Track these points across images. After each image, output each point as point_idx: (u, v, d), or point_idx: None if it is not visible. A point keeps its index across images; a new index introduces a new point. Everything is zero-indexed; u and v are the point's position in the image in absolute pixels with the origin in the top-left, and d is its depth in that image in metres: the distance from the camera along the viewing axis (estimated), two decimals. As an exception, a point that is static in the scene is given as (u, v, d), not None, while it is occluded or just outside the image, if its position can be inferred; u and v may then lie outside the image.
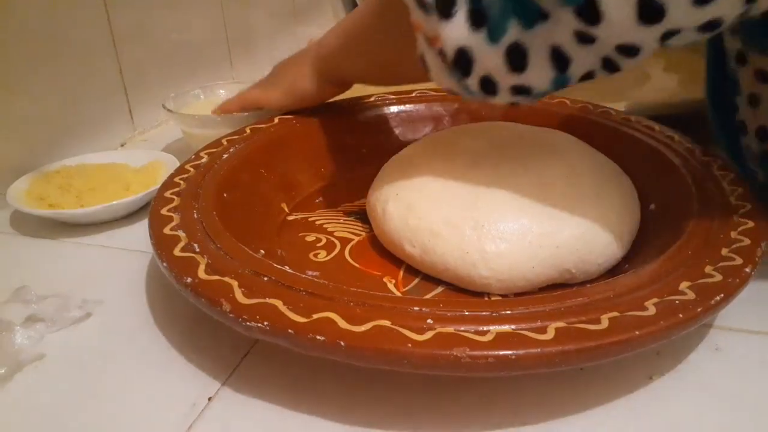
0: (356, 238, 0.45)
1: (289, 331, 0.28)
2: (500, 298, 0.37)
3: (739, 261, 0.32)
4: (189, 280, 0.32)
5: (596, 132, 0.49)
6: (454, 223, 0.38)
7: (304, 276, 0.33)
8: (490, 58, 0.31)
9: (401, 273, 0.40)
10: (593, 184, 0.40)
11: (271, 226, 0.46)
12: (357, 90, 0.64)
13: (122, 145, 0.66)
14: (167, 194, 0.41)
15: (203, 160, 0.46)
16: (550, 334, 0.27)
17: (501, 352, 0.27)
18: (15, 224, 0.51)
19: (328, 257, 0.43)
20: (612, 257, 0.38)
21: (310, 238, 0.45)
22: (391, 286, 0.39)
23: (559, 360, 0.27)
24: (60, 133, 0.59)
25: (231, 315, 0.30)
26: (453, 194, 0.39)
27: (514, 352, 0.27)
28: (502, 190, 0.39)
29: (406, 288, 0.39)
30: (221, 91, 0.67)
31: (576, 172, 0.40)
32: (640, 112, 0.53)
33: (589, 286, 0.32)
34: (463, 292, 0.38)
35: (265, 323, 0.29)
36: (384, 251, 0.42)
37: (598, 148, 0.45)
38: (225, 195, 0.43)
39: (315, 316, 0.29)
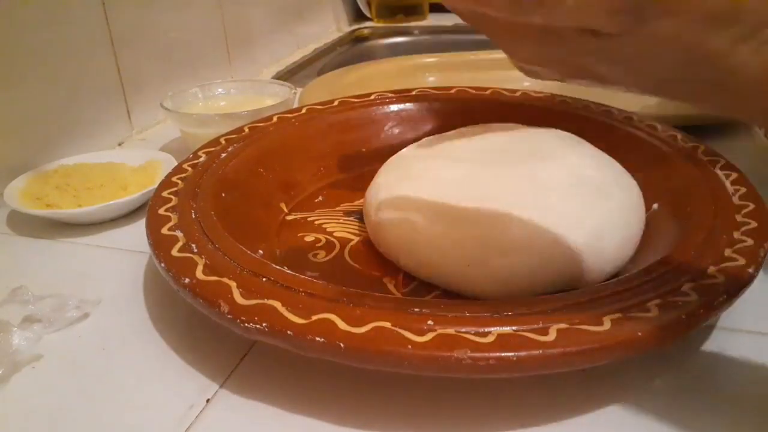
0: (356, 239, 0.44)
1: (288, 332, 0.28)
2: (501, 298, 0.37)
3: (742, 261, 0.32)
4: (187, 280, 0.32)
5: (598, 131, 0.49)
6: (454, 235, 0.36)
7: (303, 277, 0.33)
8: None
9: (401, 274, 0.40)
10: (598, 186, 0.39)
11: (269, 226, 0.45)
12: (356, 88, 0.64)
13: (120, 145, 0.66)
14: (165, 194, 0.41)
15: (201, 160, 0.46)
16: (551, 336, 0.27)
17: (502, 354, 0.26)
18: (12, 224, 0.50)
19: (328, 258, 0.42)
20: (620, 261, 0.37)
21: (310, 238, 0.45)
22: (391, 287, 0.39)
23: (560, 362, 0.27)
24: (57, 133, 0.58)
25: (229, 316, 0.30)
26: (452, 203, 0.38)
27: (516, 353, 0.26)
28: (505, 198, 0.37)
29: (407, 289, 0.39)
30: (220, 90, 0.67)
31: (580, 175, 0.39)
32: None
33: (591, 287, 0.32)
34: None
35: (264, 324, 0.28)
36: (384, 251, 0.42)
37: (601, 148, 0.45)
38: (223, 195, 0.42)
39: (314, 317, 0.28)
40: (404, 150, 0.46)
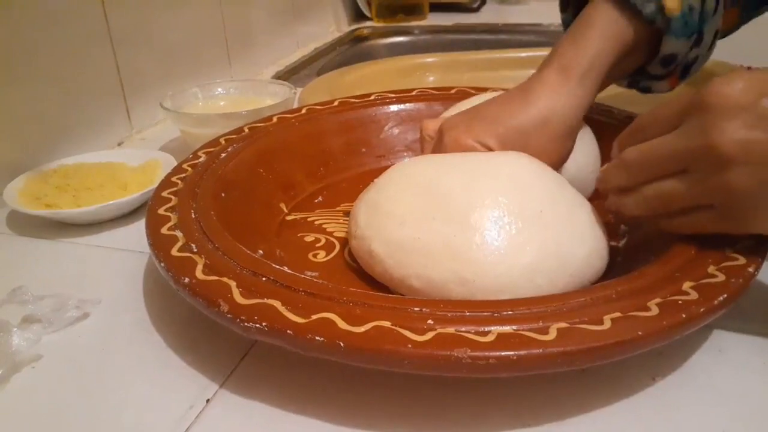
0: (356, 238, 0.44)
1: (288, 331, 0.28)
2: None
3: (742, 261, 0.32)
4: (186, 280, 0.32)
5: (598, 131, 0.49)
6: (435, 280, 0.34)
7: (303, 276, 0.33)
8: None
9: (401, 273, 0.40)
10: (571, 202, 0.37)
11: (269, 226, 0.45)
12: (356, 89, 0.64)
13: (119, 145, 0.66)
14: (164, 194, 0.41)
15: (201, 160, 0.46)
16: (551, 335, 0.27)
17: (502, 353, 0.26)
18: (12, 224, 0.50)
19: (328, 257, 0.42)
20: (588, 277, 0.36)
21: (309, 238, 0.45)
22: (390, 287, 0.39)
23: (560, 361, 0.27)
24: (57, 133, 0.58)
25: (229, 315, 0.30)
26: (426, 241, 0.35)
27: (516, 352, 0.26)
28: (486, 232, 0.34)
29: (406, 288, 0.39)
30: (220, 90, 0.67)
31: (553, 195, 0.37)
32: None
33: (591, 286, 0.32)
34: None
35: (264, 324, 0.28)
36: (384, 251, 0.42)
37: (601, 148, 0.45)
38: (223, 195, 0.42)
39: (314, 317, 0.28)
40: (377, 182, 0.41)
